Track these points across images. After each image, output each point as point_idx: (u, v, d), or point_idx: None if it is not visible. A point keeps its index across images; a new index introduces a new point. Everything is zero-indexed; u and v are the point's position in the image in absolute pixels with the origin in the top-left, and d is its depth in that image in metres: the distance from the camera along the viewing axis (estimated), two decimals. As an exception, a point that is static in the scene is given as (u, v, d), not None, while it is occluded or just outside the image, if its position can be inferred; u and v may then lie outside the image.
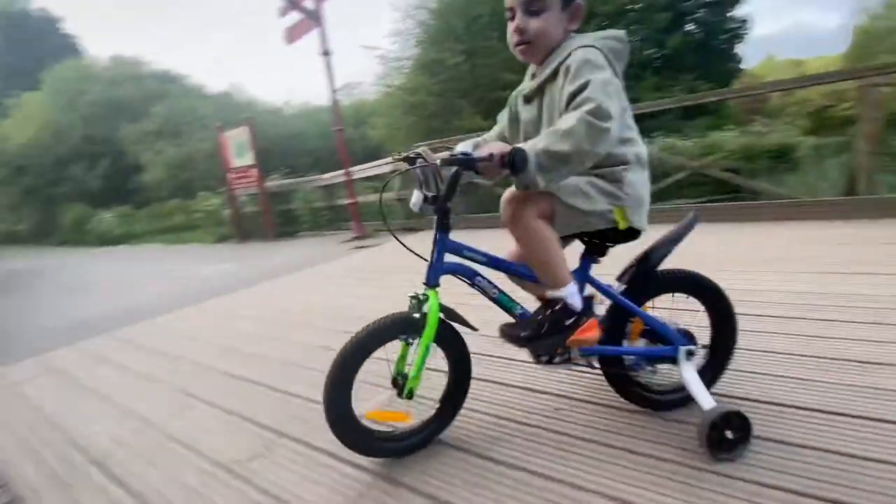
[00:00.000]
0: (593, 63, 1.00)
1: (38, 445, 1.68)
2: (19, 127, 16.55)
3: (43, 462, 1.57)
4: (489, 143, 1.03)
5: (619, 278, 1.24)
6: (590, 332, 1.14)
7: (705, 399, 1.13)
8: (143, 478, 1.38)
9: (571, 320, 1.13)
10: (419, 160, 1.12)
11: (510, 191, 1.15)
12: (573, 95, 0.98)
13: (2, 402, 2.17)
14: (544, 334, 1.13)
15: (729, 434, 1.06)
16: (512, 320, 1.22)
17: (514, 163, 0.93)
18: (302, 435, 1.45)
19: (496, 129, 1.33)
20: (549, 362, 1.19)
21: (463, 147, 1.15)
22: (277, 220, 7.97)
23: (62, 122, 16.18)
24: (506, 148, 0.95)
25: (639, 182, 1.12)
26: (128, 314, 3.60)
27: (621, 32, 1.12)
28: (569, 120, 0.94)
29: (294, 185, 8.32)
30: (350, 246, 5.70)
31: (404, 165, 1.18)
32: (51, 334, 3.44)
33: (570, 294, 1.14)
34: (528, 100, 1.18)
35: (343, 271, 4.00)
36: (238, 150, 7.64)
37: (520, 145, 0.95)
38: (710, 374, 1.30)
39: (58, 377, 2.37)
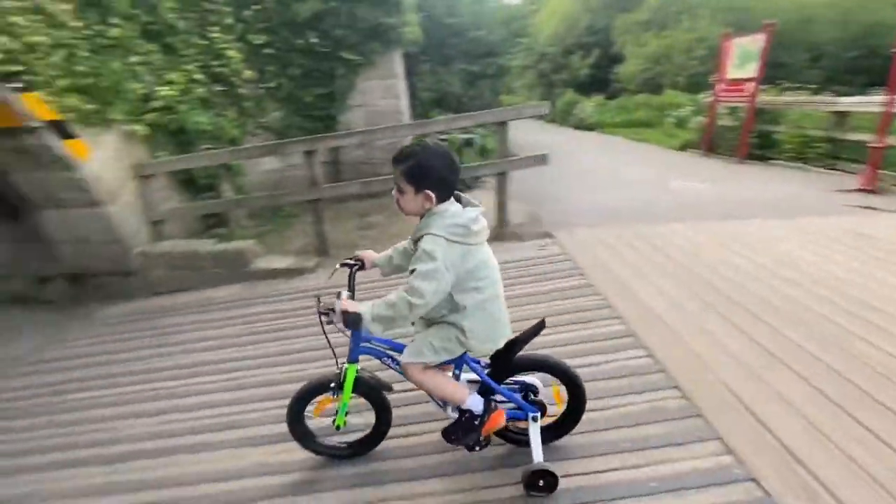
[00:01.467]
0: (429, 255, 1.44)
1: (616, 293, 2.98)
2: (547, 20, 21.11)
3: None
4: (348, 301, 1.57)
5: (489, 362, 1.74)
6: (496, 422, 1.68)
7: (537, 454, 1.65)
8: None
9: (478, 421, 1.66)
10: (329, 310, 1.59)
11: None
12: (411, 272, 1.48)
13: (590, 253, 3.73)
14: (465, 436, 1.68)
15: (541, 483, 1.61)
16: (447, 420, 1.75)
17: (346, 323, 1.54)
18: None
19: (405, 243, 1.76)
20: (474, 449, 1.72)
21: (345, 293, 1.64)
22: (752, 141, 7.49)
23: (574, 15, 19.41)
24: (349, 308, 1.52)
25: (479, 325, 1.57)
26: (619, 213, 4.83)
27: (466, 219, 1.49)
28: (394, 296, 1.49)
29: (793, 106, 7.30)
30: (851, 200, 4.89)
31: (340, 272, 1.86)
32: (585, 215, 5.13)
33: (471, 405, 1.65)
34: (414, 241, 1.60)
35: (846, 235, 3.70)
36: (741, 60, 7.28)
37: (361, 309, 1.51)
38: (563, 430, 1.84)
39: (604, 246, 3.75)
